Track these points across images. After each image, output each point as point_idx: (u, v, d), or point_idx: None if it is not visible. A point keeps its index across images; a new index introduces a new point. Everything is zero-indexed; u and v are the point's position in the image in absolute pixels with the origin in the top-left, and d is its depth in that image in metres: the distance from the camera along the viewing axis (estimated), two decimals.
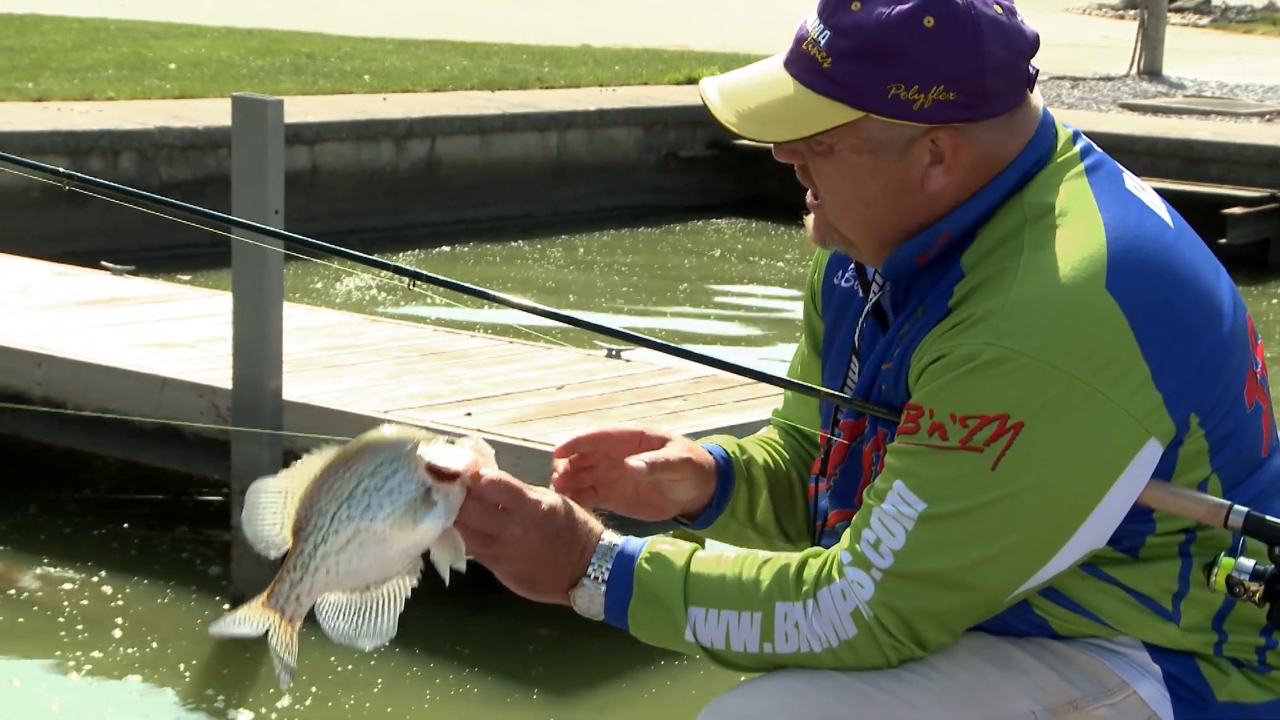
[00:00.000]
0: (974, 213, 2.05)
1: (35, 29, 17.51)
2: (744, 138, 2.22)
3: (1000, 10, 2.03)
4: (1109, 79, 17.96)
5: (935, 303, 2.04)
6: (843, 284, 2.27)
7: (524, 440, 5.31)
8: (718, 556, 2.07)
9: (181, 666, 5.36)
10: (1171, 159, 13.09)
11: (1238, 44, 24.54)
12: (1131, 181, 2.11)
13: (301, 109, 12.65)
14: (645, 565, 2.05)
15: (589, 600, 2.06)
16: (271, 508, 1.98)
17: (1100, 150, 2.13)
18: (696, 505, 2.31)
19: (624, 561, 2.05)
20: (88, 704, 5.12)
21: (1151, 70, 18.43)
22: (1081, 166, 2.08)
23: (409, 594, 1.99)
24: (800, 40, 2.06)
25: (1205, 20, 28.28)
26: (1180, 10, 28.39)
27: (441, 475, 1.96)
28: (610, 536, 2.08)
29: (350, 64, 15.93)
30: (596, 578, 2.05)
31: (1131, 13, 24.51)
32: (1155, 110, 15.64)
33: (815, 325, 2.37)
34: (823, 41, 2.03)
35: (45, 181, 2.60)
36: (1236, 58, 21.77)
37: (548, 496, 2.06)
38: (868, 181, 2.05)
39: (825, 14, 2.05)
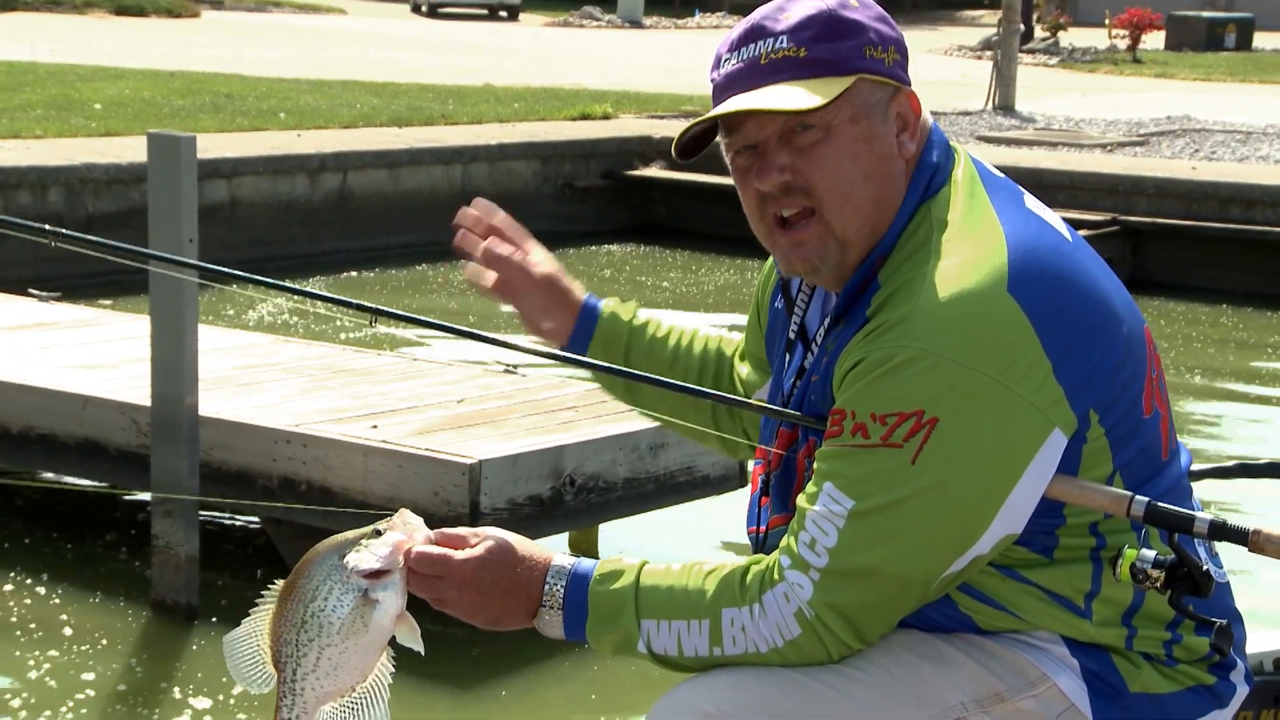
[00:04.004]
0: (896, 227, 2.08)
1: None
2: (675, 165, 2.24)
3: None
4: (967, 113, 18.19)
5: (855, 314, 2.07)
6: (778, 305, 2.31)
7: (428, 450, 5.30)
8: (665, 569, 2.08)
9: (132, 662, 5.29)
10: (1022, 186, 13.27)
11: (1083, 81, 24.94)
12: (1031, 201, 2.15)
13: (220, 145, 12.55)
14: (598, 586, 2.06)
15: (550, 625, 2.08)
16: (247, 651, 2.05)
17: (1001, 174, 2.17)
18: (559, 334, 2.45)
19: (578, 584, 2.07)
20: (47, 699, 5.04)
21: (1005, 105, 18.67)
22: (982, 185, 2.11)
23: (390, 680, 2.05)
24: (754, 63, 2.07)
25: (1054, 60, 28.69)
26: (1031, 51, 28.79)
27: (374, 574, 2.01)
28: (561, 559, 2.09)
29: (266, 103, 15.80)
30: (552, 604, 2.07)
31: (988, 53, 24.84)
32: (1008, 142, 15.85)
33: (757, 343, 2.41)
34: (785, 43, 2.06)
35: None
36: (1081, 94, 22.12)
37: (478, 550, 2.06)
38: (865, 153, 2.07)
39: (759, 33, 2.08)
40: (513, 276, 2.42)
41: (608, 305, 2.48)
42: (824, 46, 2.05)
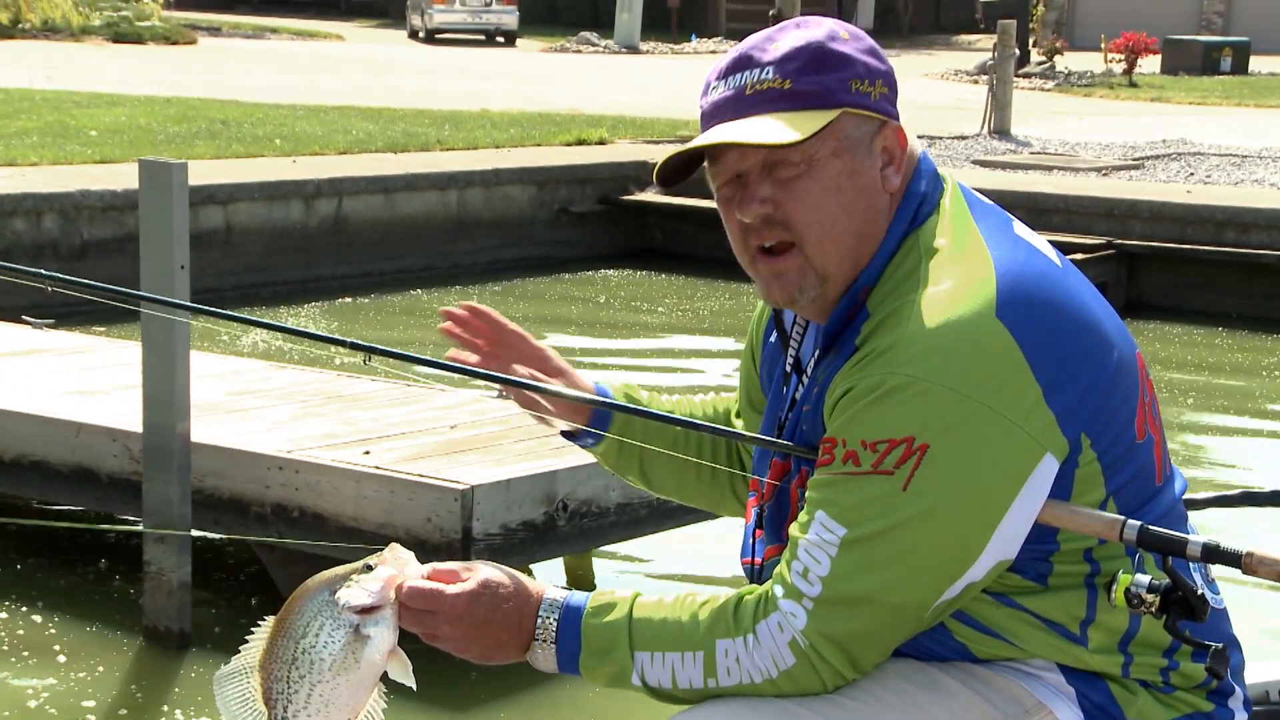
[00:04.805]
0: (882, 258, 2.07)
1: None
2: (662, 189, 2.20)
3: None
4: (963, 138, 18.22)
5: (845, 343, 2.06)
6: (772, 340, 2.30)
7: (420, 476, 5.29)
8: (658, 601, 2.07)
9: (125, 689, 5.27)
10: (1018, 210, 13.21)
11: (1078, 105, 24.98)
12: (1020, 227, 2.14)
13: (216, 171, 12.57)
14: (591, 619, 2.05)
15: (542, 659, 2.07)
16: (237, 689, 2.04)
17: (989, 201, 2.17)
18: (579, 420, 2.40)
19: (570, 617, 2.05)
20: None
21: (1000, 130, 18.70)
22: (970, 212, 2.10)
23: (381, 716, 2.03)
24: (740, 92, 2.06)
25: (1050, 84, 28.75)
26: (1027, 75, 28.85)
27: (365, 609, 2.00)
28: (553, 593, 2.08)
29: (262, 129, 15.83)
30: (545, 638, 2.05)
31: (983, 77, 24.89)
32: (1003, 166, 15.87)
33: (752, 384, 2.39)
34: (771, 74, 2.06)
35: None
36: (1077, 118, 22.16)
37: (470, 584, 2.04)
38: (847, 188, 2.06)
39: (747, 62, 2.07)
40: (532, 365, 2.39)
41: (618, 387, 2.47)
42: (809, 79, 2.05)
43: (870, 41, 2.12)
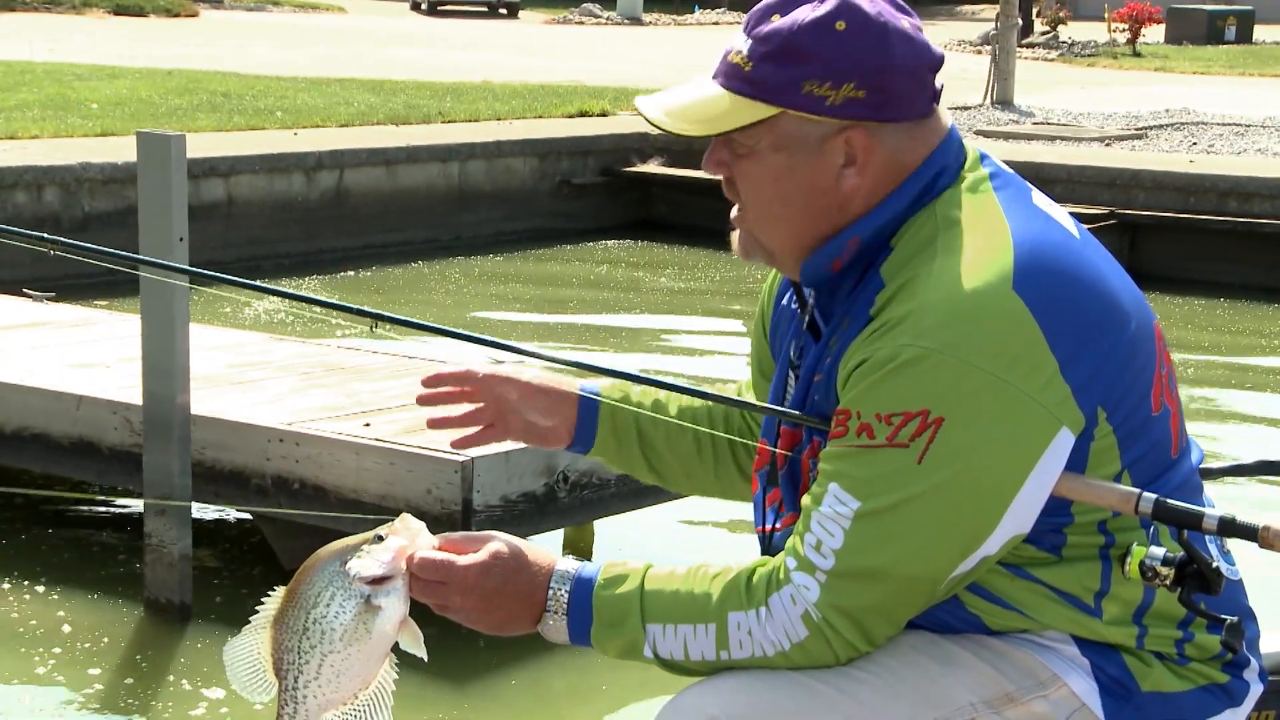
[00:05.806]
0: (882, 217, 2.04)
1: None
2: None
3: (908, 25, 2.07)
4: (966, 108, 18.16)
5: (859, 313, 2.03)
6: (791, 305, 2.26)
7: (419, 448, 5.29)
8: (670, 573, 2.06)
9: (126, 661, 5.26)
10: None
11: (1082, 75, 24.91)
12: (1039, 197, 2.11)
13: (217, 144, 12.53)
14: (603, 591, 2.04)
15: (554, 631, 2.06)
16: (247, 659, 2.02)
17: (1010, 171, 2.13)
18: (566, 425, 2.40)
19: (582, 588, 2.04)
20: (39, 699, 5.02)
21: (1003, 100, 18.64)
22: (989, 182, 2.07)
23: (393, 687, 2.02)
24: (727, 54, 2.08)
25: (1053, 54, 28.68)
26: (1031, 45, 28.78)
27: (377, 580, 1.99)
28: (565, 564, 2.07)
29: (264, 101, 15.79)
30: (556, 610, 2.04)
31: (987, 48, 24.82)
32: (1006, 136, 15.83)
33: (763, 351, 2.36)
34: (745, 50, 2.04)
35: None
36: (1081, 87, 22.09)
37: (481, 555, 2.04)
38: (785, 180, 2.04)
39: (749, 27, 2.07)
40: (506, 403, 2.39)
41: (606, 386, 2.45)
42: (767, 68, 2.03)
43: (878, 31, 2.03)
